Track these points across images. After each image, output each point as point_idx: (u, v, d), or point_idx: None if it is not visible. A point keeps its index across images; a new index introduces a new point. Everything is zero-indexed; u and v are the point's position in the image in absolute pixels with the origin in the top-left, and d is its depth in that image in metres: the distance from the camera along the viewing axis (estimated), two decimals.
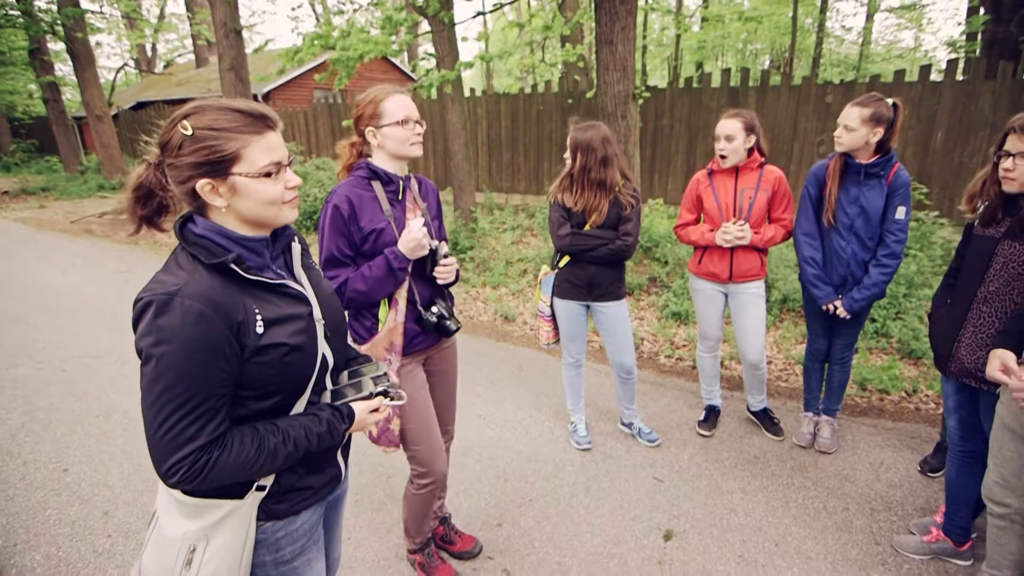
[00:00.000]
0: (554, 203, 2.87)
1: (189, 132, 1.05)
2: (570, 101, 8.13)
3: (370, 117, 1.85)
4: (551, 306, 3.01)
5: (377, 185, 1.89)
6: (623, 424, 3.31)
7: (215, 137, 1.06)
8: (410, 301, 1.95)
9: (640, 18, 15.78)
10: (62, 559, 2.43)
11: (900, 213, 2.60)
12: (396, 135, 1.84)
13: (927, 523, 2.46)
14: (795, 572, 2.30)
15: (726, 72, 7.40)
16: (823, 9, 15.31)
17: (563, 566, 2.36)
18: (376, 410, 1.33)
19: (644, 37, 16.98)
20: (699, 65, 18.77)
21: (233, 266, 1.08)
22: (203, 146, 1.05)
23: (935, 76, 6.42)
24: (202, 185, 1.07)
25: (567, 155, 2.85)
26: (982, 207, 2.02)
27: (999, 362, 1.71)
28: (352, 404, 1.28)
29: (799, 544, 2.45)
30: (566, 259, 2.88)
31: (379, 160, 1.90)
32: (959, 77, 6.26)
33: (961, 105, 6.11)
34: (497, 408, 3.65)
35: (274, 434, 1.13)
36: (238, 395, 1.11)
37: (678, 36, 17.01)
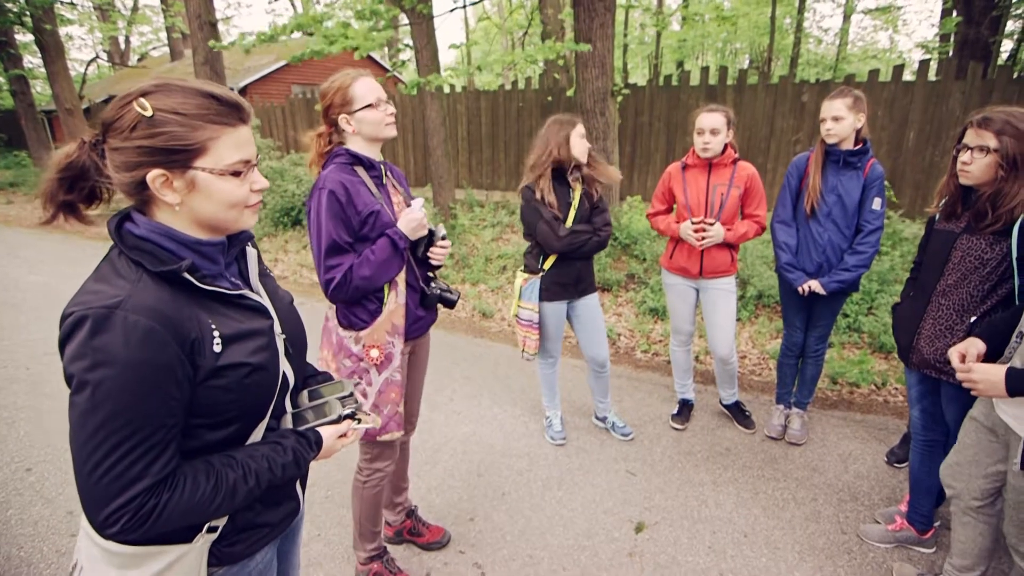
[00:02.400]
0: (540, 202, 2.74)
1: (148, 113, 0.89)
2: (549, 99, 8.13)
3: (340, 104, 1.82)
4: (539, 312, 2.91)
5: (361, 170, 1.87)
6: (597, 418, 3.33)
7: (179, 123, 0.90)
8: (409, 284, 1.96)
9: (621, 16, 15.87)
10: (24, 559, 2.37)
11: (876, 204, 2.68)
12: (371, 118, 1.82)
13: (892, 512, 2.51)
14: (763, 562, 2.34)
15: (705, 70, 7.46)
16: (801, 9, 15.53)
17: (534, 559, 2.37)
18: (344, 435, 1.20)
19: (625, 35, 17.07)
20: (679, 63, 18.91)
21: (187, 275, 0.93)
22: (162, 132, 0.90)
23: (908, 76, 6.54)
24: (154, 176, 0.91)
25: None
26: (943, 201, 2.06)
27: (962, 349, 1.75)
28: (320, 429, 1.15)
29: (768, 534, 2.49)
30: (551, 260, 2.83)
31: (355, 146, 1.88)
32: (931, 77, 6.38)
33: (932, 105, 6.23)
34: (473, 403, 3.65)
35: (233, 468, 0.97)
36: (189, 424, 0.95)
37: (658, 34, 17.11)
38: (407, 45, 6.54)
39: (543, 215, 2.74)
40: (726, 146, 2.86)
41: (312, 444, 1.12)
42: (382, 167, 1.93)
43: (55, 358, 4.23)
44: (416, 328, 2.03)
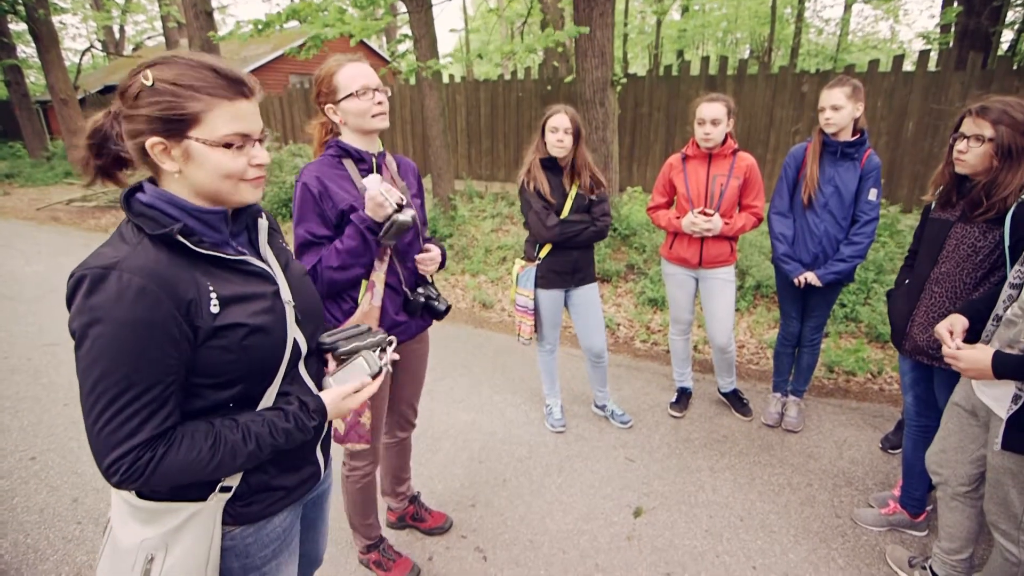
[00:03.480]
0: (533, 192, 2.79)
1: (149, 82, 0.94)
2: (549, 87, 8.11)
3: (327, 93, 1.73)
4: (535, 298, 2.96)
5: (349, 163, 1.78)
6: (596, 407, 3.36)
7: (175, 93, 0.95)
8: (390, 286, 1.85)
9: (621, 5, 15.77)
10: (30, 546, 2.40)
11: (872, 195, 2.69)
12: (355, 108, 1.71)
13: (885, 497, 2.55)
14: (759, 544, 2.38)
15: (705, 60, 7.43)
16: None
17: (535, 543, 2.41)
18: (357, 392, 1.19)
19: (625, 25, 16.95)
20: (680, 53, 18.80)
21: (180, 237, 0.96)
22: (159, 100, 0.94)
23: (908, 67, 6.51)
24: (152, 143, 0.96)
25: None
26: (939, 190, 2.08)
27: (948, 325, 1.77)
28: (324, 393, 1.16)
29: (763, 518, 2.53)
30: (547, 249, 2.87)
31: (347, 137, 1.80)
32: (931, 68, 6.33)
33: (932, 96, 6.20)
34: (473, 392, 3.68)
35: (232, 431, 1.01)
36: (193, 384, 1.00)
37: (658, 23, 17.00)
38: (406, 36, 6.49)
39: (532, 205, 2.77)
40: (726, 136, 2.87)
41: (311, 412, 1.12)
42: (374, 159, 1.82)
43: (54, 349, 4.28)
44: (402, 331, 1.92)
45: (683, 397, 3.41)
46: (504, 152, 8.88)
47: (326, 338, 1.25)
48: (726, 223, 2.89)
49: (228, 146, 1.00)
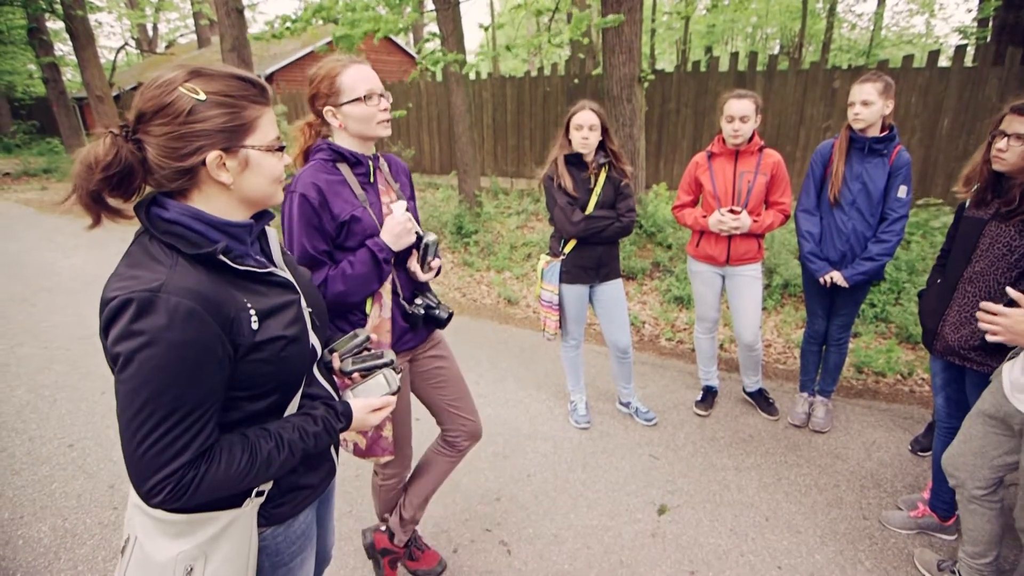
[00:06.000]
0: (558, 188, 2.79)
1: (202, 96, 0.93)
2: (576, 81, 8.07)
3: (326, 95, 1.63)
4: (559, 294, 2.96)
5: (344, 168, 1.67)
6: (621, 404, 3.35)
7: (232, 104, 0.95)
8: (395, 294, 1.79)
9: (649, 0, 15.60)
10: (68, 530, 2.48)
11: (902, 192, 2.63)
12: (359, 113, 1.62)
13: (914, 499, 2.51)
14: (784, 545, 2.35)
15: (734, 56, 7.32)
16: None
17: (559, 538, 2.41)
18: (379, 409, 1.24)
19: (653, 20, 16.76)
20: (708, 49, 18.54)
21: (222, 256, 0.96)
22: (220, 113, 0.94)
23: (943, 62, 6.32)
24: (213, 157, 0.95)
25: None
26: (974, 188, 2.03)
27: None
28: (352, 402, 1.21)
29: (789, 519, 2.50)
30: (572, 244, 2.87)
31: (342, 141, 1.69)
32: (967, 63, 6.15)
33: (968, 92, 6.03)
34: (498, 388, 3.69)
35: (266, 440, 1.02)
36: (231, 397, 1.00)
37: (686, 19, 16.76)
38: (434, 34, 6.52)
39: (558, 201, 2.78)
40: (753, 133, 2.83)
41: (339, 415, 1.17)
42: (371, 163, 1.73)
43: (92, 340, 4.41)
44: (408, 340, 1.86)
45: (708, 396, 3.37)
46: (530, 149, 8.88)
47: (335, 350, 1.33)
48: (754, 220, 2.85)
49: (279, 149, 1.04)
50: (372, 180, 1.74)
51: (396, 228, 1.66)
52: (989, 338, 1.62)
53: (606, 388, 3.61)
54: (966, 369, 2.09)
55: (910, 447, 2.96)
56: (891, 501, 2.59)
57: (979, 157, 1.99)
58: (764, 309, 4.64)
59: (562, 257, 2.90)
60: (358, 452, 1.84)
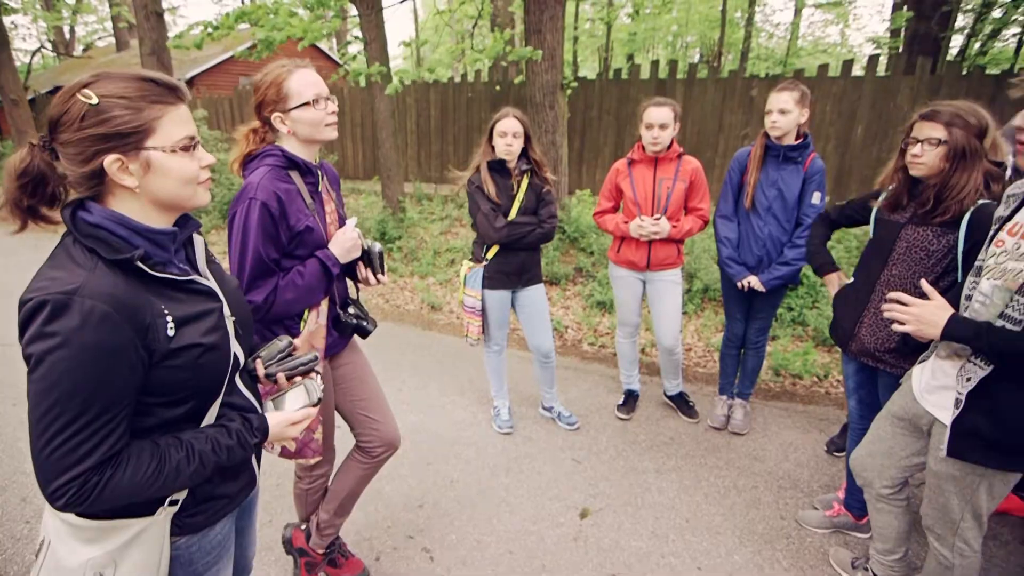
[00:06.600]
0: (480, 194, 2.77)
1: (94, 101, 0.93)
2: (498, 87, 8.09)
3: (274, 101, 1.63)
4: (482, 299, 2.94)
5: (296, 176, 1.68)
6: (544, 408, 3.36)
7: (125, 106, 0.95)
8: (332, 300, 1.82)
9: (571, 7, 15.90)
10: None
11: (815, 198, 2.73)
12: (309, 118, 1.64)
13: (830, 499, 2.59)
14: (704, 546, 2.41)
15: (655, 64, 7.50)
16: (752, 3, 15.46)
17: (482, 544, 2.38)
18: (297, 422, 1.23)
19: (575, 28, 17.08)
20: (630, 57, 19.04)
21: (139, 263, 0.97)
22: (111, 117, 0.94)
23: (857, 71, 6.50)
24: (111, 161, 0.95)
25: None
26: (888, 192, 2.07)
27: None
28: (269, 415, 1.19)
29: (709, 520, 2.56)
30: (494, 250, 2.86)
31: (290, 147, 1.69)
32: (880, 73, 6.31)
33: (881, 100, 6.21)
34: (421, 394, 3.62)
35: (177, 449, 1.02)
36: (145, 403, 1.00)
37: (608, 27, 17.16)
38: (356, 38, 6.36)
39: (481, 207, 2.76)
40: (672, 140, 2.90)
41: (254, 430, 1.15)
42: (319, 172, 1.75)
43: (3, 348, 3.98)
44: (335, 345, 1.89)
45: (630, 399, 3.44)
46: (454, 154, 8.82)
47: (260, 356, 1.30)
48: (673, 226, 2.92)
49: (185, 149, 1.02)
50: (319, 189, 1.76)
51: (347, 243, 1.72)
52: (895, 327, 1.66)
53: (529, 393, 3.62)
54: (878, 372, 2.14)
55: (826, 448, 3.07)
56: (807, 501, 2.68)
57: (893, 164, 2.03)
58: (685, 314, 4.79)
59: (485, 263, 2.88)
60: (286, 454, 1.84)
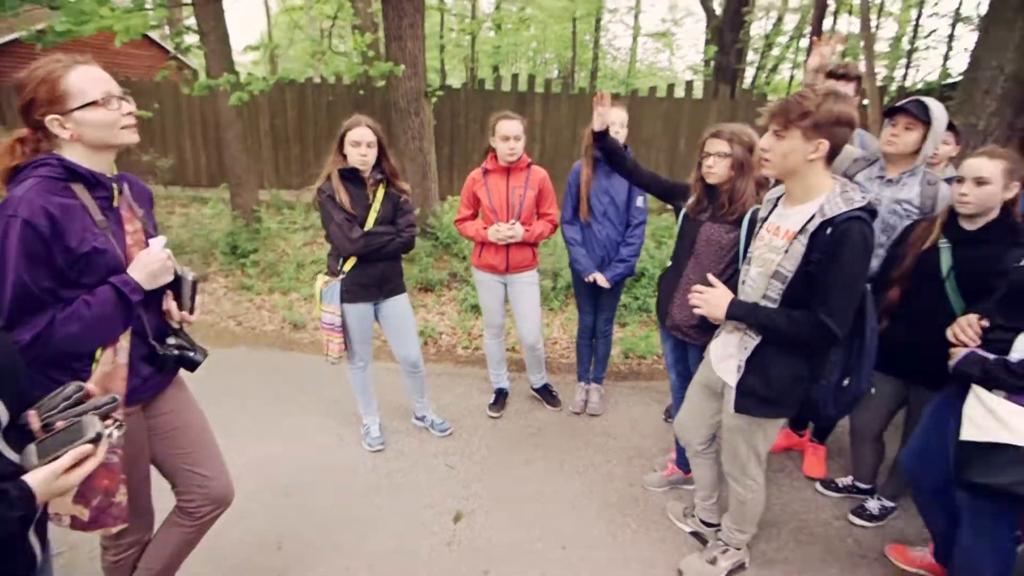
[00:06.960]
0: (333, 204, 2.64)
1: None
2: (362, 92, 7.89)
3: (48, 102, 1.36)
4: (341, 315, 2.81)
5: (80, 190, 1.41)
6: (416, 418, 3.32)
7: None
8: (138, 334, 1.54)
9: (436, 17, 15.97)
10: None
11: (639, 202, 3.09)
12: (98, 119, 1.39)
13: (665, 460, 2.97)
14: (568, 523, 2.57)
15: (515, 77, 7.86)
16: (597, 28, 17.22)
17: (351, 570, 2.29)
18: (79, 464, 1.00)
19: (441, 37, 17.21)
20: (495, 68, 19.63)
21: None
22: None
23: (679, 93, 7.66)
24: None
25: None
26: (693, 198, 2.48)
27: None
28: (31, 475, 0.96)
29: (572, 498, 2.74)
30: (351, 262, 2.75)
31: (74, 155, 1.42)
32: (696, 95, 7.56)
33: (697, 119, 7.35)
34: (280, 423, 3.39)
35: None
36: None
37: (473, 38, 17.56)
38: (189, 27, 5.78)
39: (334, 217, 2.65)
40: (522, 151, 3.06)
41: (12, 502, 0.92)
42: (114, 185, 1.49)
43: None
44: (148, 387, 1.62)
45: (500, 397, 3.53)
46: (315, 159, 8.40)
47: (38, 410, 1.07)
48: (527, 230, 3.07)
49: None
50: (114, 205, 1.50)
51: (154, 265, 1.48)
52: (695, 311, 1.99)
53: (400, 404, 3.54)
54: (688, 346, 2.53)
55: (664, 417, 3.47)
56: (650, 466, 3.00)
57: (694, 175, 2.45)
58: (551, 309, 5.04)
59: (341, 276, 2.77)
60: (78, 525, 1.47)
